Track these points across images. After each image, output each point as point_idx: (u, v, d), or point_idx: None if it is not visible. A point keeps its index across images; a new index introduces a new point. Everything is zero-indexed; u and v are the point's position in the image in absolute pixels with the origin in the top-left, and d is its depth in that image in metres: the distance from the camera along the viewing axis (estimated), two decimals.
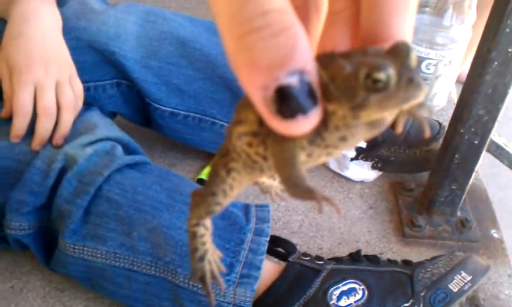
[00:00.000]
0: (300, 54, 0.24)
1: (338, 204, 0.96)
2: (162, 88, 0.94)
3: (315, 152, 0.29)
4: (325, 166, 1.02)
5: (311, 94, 0.25)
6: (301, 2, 0.30)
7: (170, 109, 0.96)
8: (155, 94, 0.94)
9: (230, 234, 0.74)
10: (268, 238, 0.75)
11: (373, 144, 0.99)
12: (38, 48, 0.80)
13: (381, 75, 0.24)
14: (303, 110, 0.25)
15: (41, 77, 0.78)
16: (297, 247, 0.83)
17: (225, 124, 0.97)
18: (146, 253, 0.72)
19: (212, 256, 0.41)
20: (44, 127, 0.77)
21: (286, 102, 0.25)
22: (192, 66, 0.93)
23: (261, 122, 0.29)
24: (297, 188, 0.28)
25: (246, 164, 0.33)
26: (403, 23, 0.27)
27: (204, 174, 1.00)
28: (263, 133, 0.30)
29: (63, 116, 0.79)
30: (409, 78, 0.25)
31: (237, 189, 0.36)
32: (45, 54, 0.80)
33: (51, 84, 0.79)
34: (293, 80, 0.24)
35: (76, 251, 0.73)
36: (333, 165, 1.02)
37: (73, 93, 0.82)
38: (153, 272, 0.72)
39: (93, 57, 0.91)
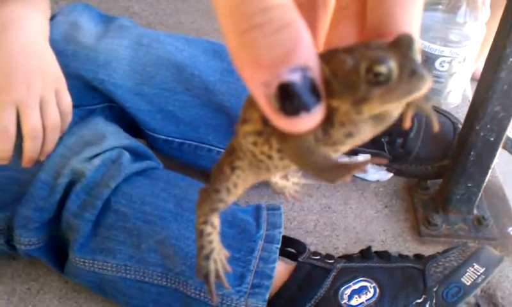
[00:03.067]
0: (302, 49, 0.24)
1: (352, 203, 0.96)
2: (156, 116, 0.89)
3: (322, 150, 0.28)
4: None
5: (314, 90, 0.25)
6: None
7: (164, 137, 0.91)
8: (149, 123, 0.90)
9: (240, 243, 0.73)
10: (279, 245, 0.74)
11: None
12: (18, 63, 0.74)
13: (382, 68, 0.24)
14: (306, 107, 0.25)
15: (24, 97, 0.72)
16: (312, 247, 0.83)
17: (222, 151, 0.92)
18: (156, 264, 0.72)
19: (219, 255, 0.41)
20: (31, 150, 0.73)
21: (289, 98, 0.24)
22: (189, 92, 0.89)
23: (265, 121, 0.29)
24: (329, 171, 0.27)
25: (251, 162, 0.33)
26: (409, 17, 0.27)
27: None
28: (267, 132, 0.30)
29: (47, 136, 0.75)
30: (412, 70, 0.24)
31: (242, 187, 0.36)
32: (27, 68, 0.74)
33: (34, 102, 0.73)
34: (295, 77, 0.24)
35: (86, 264, 0.73)
36: None
37: (61, 109, 0.77)
38: (165, 283, 0.72)
39: (81, 84, 0.86)
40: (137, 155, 0.81)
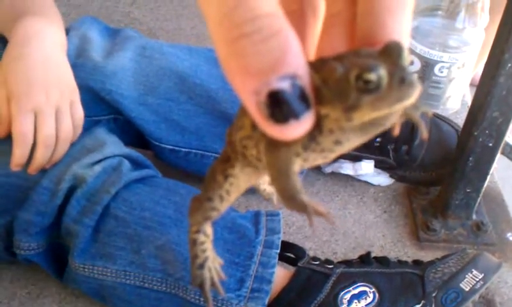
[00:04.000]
0: (291, 58, 0.25)
1: (351, 208, 0.97)
2: (161, 126, 0.90)
3: (310, 157, 0.29)
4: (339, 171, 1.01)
5: (303, 98, 0.25)
6: (297, 6, 0.30)
7: (170, 147, 0.92)
8: (155, 133, 0.90)
9: (240, 248, 0.73)
10: (278, 251, 0.74)
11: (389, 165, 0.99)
12: (39, 72, 0.76)
13: (372, 76, 0.24)
14: (296, 115, 0.25)
15: (42, 104, 0.74)
16: (311, 252, 0.83)
17: None
18: (156, 270, 0.72)
19: (213, 264, 0.41)
20: (42, 156, 0.74)
21: (278, 106, 0.25)
22: (192, 101, 0.90)
23: (254, 126, 0.29)
24: (291, 200, 0.28)
25: (243, 165, 0.34)
26: (398, 25, 0.27)
27: None
28: (256, 136, 0.30)
29: (58, 147, 0.76)
30: (402, 78, 0.25)
31: (235, 194, 0.36)
32: (47, 78, 0.76)
33: (51, 111, 0.75)
34: (285, 85, 0.24)
35: (86, 270, 0.73)
36: (349, 170, 1.01)
37: (73, 121, 0.78)
38: (164, 289, 0.72)
39: (89, 95, 0.86)
40: (136, 164, 0.82)
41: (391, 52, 0.25)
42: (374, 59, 0.25)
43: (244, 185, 0.36)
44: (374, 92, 0.25)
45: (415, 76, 0.25)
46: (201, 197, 0.37)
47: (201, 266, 0.40)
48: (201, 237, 0.39)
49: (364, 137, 0.28)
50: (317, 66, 0.26)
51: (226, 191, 0.36)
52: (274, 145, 0.28)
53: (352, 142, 0.28)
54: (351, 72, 0.25)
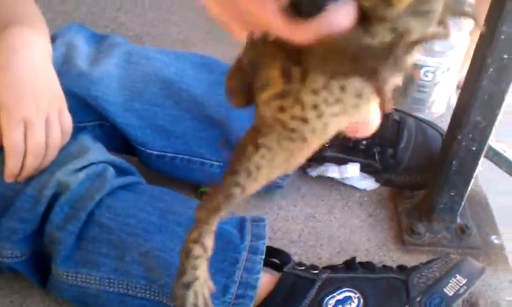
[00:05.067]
0: None
1: (336, 213, 0.97)
2: (147, 131, 0.90)
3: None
4: (324, 176, 1.01)
5: None
6: None
7: (156, 152, 0.91)
8: (140, 138, 0.90)
9: (224, 254, 0.73)
10: (263, 256, 0.74)
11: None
12: (28, 82, 0.76)
13: None
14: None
15: (32, 114, 0.75)
16: (296, 257, 0.83)
17: (215, 163, 0.93)
18: (140, 277, 0.72)
19: (202, 288, 0.36)
20: (32, 166, 0.74)
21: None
22: (178, 106, 0.90)
23: (288, 76, 0.25)
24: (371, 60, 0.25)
25: (281, 136, 0.29)
26: None
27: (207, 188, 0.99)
28: (294, 89, 0.26)
29: (47, 155, 0.76)
30: None
31: (266, 173, 0.30)
32: (35, 87, 0.76)
33: (41, 120, 0.75)
34: None
35: (69, 278, 0.73)
36: (335, 174, 1.01)
37: (62, 127, 0.78)
38: (148, 296, 0.72)
39: (74, 101, 0.85)
40: (121, 171, 0.81)
41: None
42: None
43: (281, 162, 0.30)
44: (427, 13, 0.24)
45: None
46: (224, 174, 0.31)
47: (187, 286, 0.35)
48: (198, 250, 0.34)
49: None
50: None
51: (256, 165, 0.30)
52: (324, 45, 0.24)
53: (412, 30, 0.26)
54: None
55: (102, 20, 1.49)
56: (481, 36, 0.79)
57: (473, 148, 0.85)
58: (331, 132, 0.28)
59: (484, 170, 0.99)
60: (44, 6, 0.90)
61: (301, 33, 0.24)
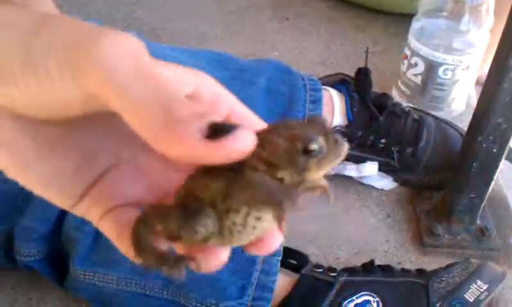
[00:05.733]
0: None
1: (354, 212, 0.96)
2: None
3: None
4: (341, 175, 1.01)
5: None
6: None
7: None
8: None
9: (241, 255, 0.73)
10: (280, 257, 0.74)
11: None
12: None
13: (314, 145, 0.31)
14: (235, 128, 0.29)
15: None
16: (313, 258, 0.83)
17: None
18: (157, 277, 0.71)
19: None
20: None
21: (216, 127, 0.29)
22: None
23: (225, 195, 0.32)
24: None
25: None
26: None
27: None
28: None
29: None
30: (335, 140, 0.32)
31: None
32: None
33: None
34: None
35: (87, 277, 0.73)
36: (353, 172, 1.00)
37: None
38: (166, 296, 0.72)
39: None
40: None
41: (316, 122, 0.32)
42: (311, 130, 0.32)
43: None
44: (318, 155, 0.31)
45: (341, 137, 0.32)
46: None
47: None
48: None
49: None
50: (260, 141, 0.30)
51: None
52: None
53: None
54: (298, 144, 0.31)
55: (118, 14, 1.49)
56: (503, 37, 0.78)
57: (494, 150, 0.84)
58: (235, 244, 0.34)
59: (505, 169, 0.98)
60: None
61: (217, 154, 0.28)
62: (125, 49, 0.28)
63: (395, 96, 1.17)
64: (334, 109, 0.97)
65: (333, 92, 0.99)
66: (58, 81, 0.28)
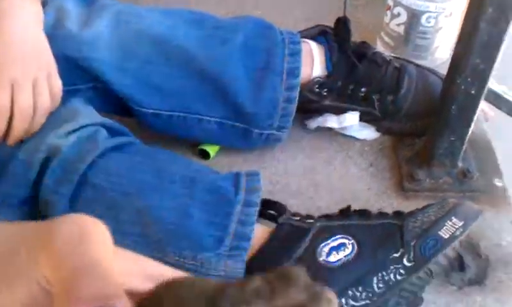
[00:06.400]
0: None
1: (337, 164, 0.96)
2: (141, 90, 0.89)
3: None
4: (323, 128, 1.01)
5: None
6: None
7: (152, 111, 0.91)
8: (135, 97, 0.89)
9: (218, 208, 0.74)
10: (258, 208, 0.75)
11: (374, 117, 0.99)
12: (15, 45, 0.76)
13: None
14: None
15: (18, 76, 0.74)
16: (294, 208, 0.83)
17: (212, 119, 0.92)
18: (135, 234, 0.72)
19: None
20: (20, 129, 0.75)
21: None
22: (170, 63, 0.89)
23: None
24: None
25: None
26: None
27: (206, 145, 0.99)
28: None
29: (35, 118, 0.76)
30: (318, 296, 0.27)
31: None
32: (23, 51, 0.76)
33: (28, 83, 0.75)
34: None
35: None
36: (334, 123, 1.00)
37: (51, 92, 0.78)
38: (142, 252, 0.72)
39: (66, 64, 0.84)
40: (113, 132, 0.81)
41: (290, 276, 0.27)
42: (295, 291, 0.27)
43: None
44: None
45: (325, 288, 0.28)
46: None
47: None
48: None
49: None
50: None
51: None
52: None
53: None
54: None
55: None
56: None
57: (472, 92, 0.83)
58: None
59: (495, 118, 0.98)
60: None
61: None
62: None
63: (379, 48, 1.16)
64: (314, 60, 0.96)
65: (313, 44, 0.98)
66: None
